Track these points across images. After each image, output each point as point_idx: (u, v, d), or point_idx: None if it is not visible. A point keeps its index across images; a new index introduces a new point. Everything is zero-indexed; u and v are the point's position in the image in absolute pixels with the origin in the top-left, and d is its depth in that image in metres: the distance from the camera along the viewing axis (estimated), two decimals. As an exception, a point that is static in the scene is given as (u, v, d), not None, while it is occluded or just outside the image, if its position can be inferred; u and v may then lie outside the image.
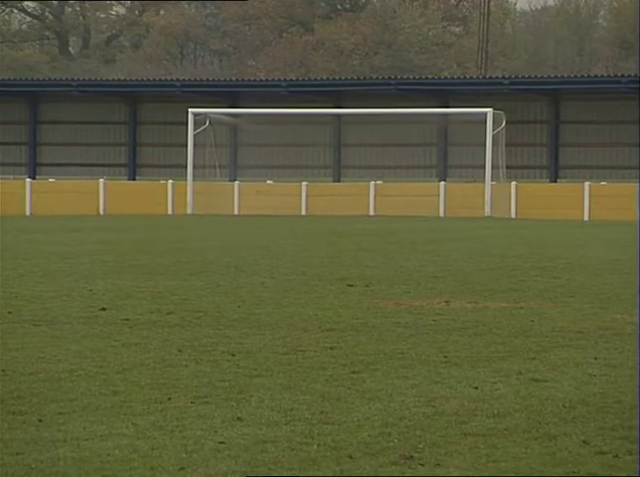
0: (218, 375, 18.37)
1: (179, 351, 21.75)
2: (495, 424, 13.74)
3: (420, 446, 11.82)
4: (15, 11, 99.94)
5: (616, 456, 11.60)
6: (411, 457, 11.32)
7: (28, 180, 77.48)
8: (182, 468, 10.61)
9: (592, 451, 12.05)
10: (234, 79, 78.73)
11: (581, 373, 19.02)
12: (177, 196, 73.68)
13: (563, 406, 15.55)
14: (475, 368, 19.41)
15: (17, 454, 11.16)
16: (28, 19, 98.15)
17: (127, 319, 27.44)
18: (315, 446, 11.95)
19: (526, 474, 10.10)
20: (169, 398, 15.28)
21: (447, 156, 74.76)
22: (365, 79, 79.44)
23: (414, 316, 27.99)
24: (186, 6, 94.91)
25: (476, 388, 17.01)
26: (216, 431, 12.61)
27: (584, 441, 12.51)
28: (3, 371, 17.24)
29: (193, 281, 38.33)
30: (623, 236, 60.05)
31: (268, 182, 73.14)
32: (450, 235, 59.56)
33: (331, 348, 21.87)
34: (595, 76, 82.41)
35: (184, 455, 11.29)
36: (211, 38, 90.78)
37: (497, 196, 69.17)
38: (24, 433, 12.31)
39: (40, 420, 13.53)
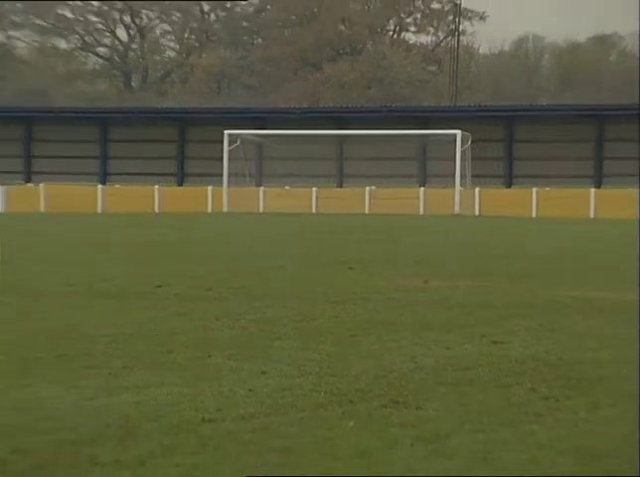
0: (246, 337, 18.78)
1: (216, 319, 21.90)
2: (463, 376, 14.44)
3: (405, 393, 12.66)
4: (90, 54, 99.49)
5: (557, 400, 12.82)
6: (398, 402, 12.41)
7: (99, 186, 77.35)
8: (219, 409, 11.71)
9: (538, 396, 13.13)
10: (259, 107, 78.56)
11: (530, 336, 19.35)
12: (215, 198, 73.85)
13: (516, 362, 16.10)
14: (448, 333, 19.56)
15: (90, 399, 12.24)
16: (100, 61, 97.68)
17: (177, 294, 27.35)
18: (322, 393, 12.79)
19: (487, 413, 11.33)
20: (209, 356, 15.88)
21: (426, 167, 74.89)
22: (361, 107, 79.28)
23: (401, 292, 27.93)
24: (222, 51, 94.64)
25: (448, 348, 17.28)
26: (245, 382, 13.40)
27: (532, 389, 13.44)
28: (81, 333, 17.10)
29: (228, 265, 37.37)
30: (563, 229, 60.36)
31: (286, 187, 73.11)
32: (428, 228, 59.96)
33: (335, 317, 22.00)
34: (541, 105, 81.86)
35: (220, 400, 12.30)
36: (242, 75, 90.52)
37: (464, 198, 69.36)
38: (96, 383, 13.16)
39: (109, 373, 14.18)
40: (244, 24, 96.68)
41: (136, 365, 14.98)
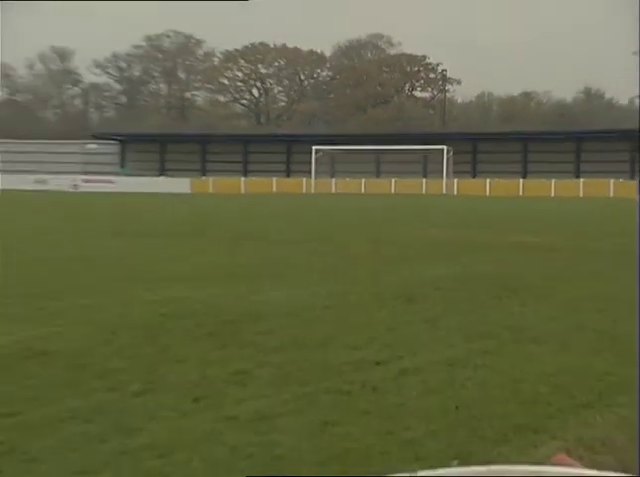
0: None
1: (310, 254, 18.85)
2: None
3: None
4: (238, 104, 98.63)
5: (502, 298, 11.97)
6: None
7: (242, 178, 77.93)
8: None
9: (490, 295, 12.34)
10: (332, 133, 78.33)
11: (492, 259, 17.52)
12: (307, 185, 75.47)
13: (478, 276, 14.74)
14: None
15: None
16: (243, 107, 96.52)
17: (291, 241, 23.27)
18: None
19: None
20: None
21: (427, 167, 74.48)
22: (389, 134, 79.07)
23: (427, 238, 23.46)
24: (312, 101, 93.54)
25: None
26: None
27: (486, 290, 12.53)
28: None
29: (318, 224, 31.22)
30: (506, 201, 54.32)
31: (347, 179, 73.18)
32: (429, 202, 53.51)
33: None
34: (491, 132, 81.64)
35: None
36: (322, 115, 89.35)
37: (448, 185, 69.37)
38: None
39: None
40: (324, 87, 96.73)
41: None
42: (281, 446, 5.57)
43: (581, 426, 6.02)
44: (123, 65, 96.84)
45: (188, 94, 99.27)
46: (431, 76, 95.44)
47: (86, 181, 72.78)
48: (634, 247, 19.95)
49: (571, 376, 7.53)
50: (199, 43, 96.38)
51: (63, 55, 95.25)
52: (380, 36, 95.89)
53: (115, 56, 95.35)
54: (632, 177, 67.61)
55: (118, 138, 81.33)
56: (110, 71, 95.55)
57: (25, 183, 70.83)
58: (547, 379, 7.40)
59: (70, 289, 12.79)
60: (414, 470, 1.85)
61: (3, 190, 63.63)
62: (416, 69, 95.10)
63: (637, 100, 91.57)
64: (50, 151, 78.90)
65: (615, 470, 1.85)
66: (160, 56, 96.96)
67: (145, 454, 5.35)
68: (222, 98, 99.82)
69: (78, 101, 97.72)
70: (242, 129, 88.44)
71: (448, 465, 2.32)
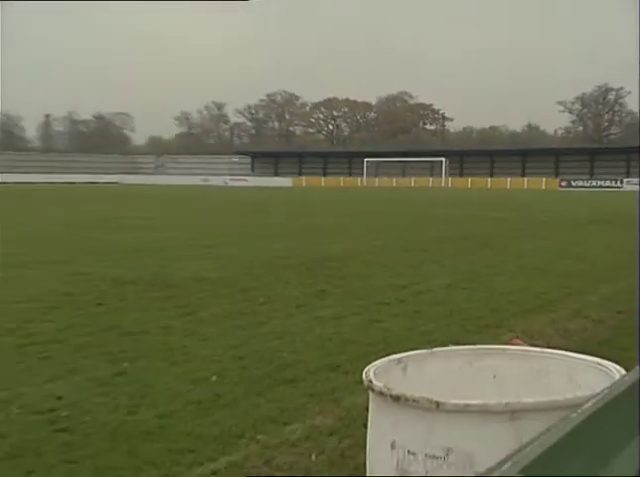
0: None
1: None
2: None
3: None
4: (318, 133, 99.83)
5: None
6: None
7: (322, 178, 77.46)
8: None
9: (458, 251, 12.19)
10: (377, 151, 77.37)
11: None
12: (363, 184, 72.58)
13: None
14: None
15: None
16: (322, 137, 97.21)
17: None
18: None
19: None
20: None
21: (433, 171, 73.02)
22: (410, 151, 78.01)
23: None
24: (364, 132, 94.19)
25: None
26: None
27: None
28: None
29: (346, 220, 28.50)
30: (477, 192, 52.50)
31: (384, 178, 72.67)
32: (434, 193, 51.39)
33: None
34: (471, 149, 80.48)
35: None
36: (371, 140, 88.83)
37: (445, 182, 68.14)
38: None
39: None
40: (372, 123, 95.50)
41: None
42: (347, 333, 5.65)
43: (526, 324, 6.08)
44: (253, 111, 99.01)
45: (291, 128, 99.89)
46: (435, 116, 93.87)
47: (232, 179, 74.43)
48: (555, 218, 20.11)
49: (520, 294, 7.52)
50: (297, 97, 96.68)
51: (219, 106, 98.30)
52: (405, 92, 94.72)
53: (249, 106, 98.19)
54: (556, 176, 65.82)
55: (250, 154, 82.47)
56: (246, 114, 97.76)
57: (194, 181, 71.28)
58: (505, 296, 7.42)
59: (222, 243, 12.68)
60: (430, 348, 1.92)
61: (187, 185, 64.68)
62: (426, 112, 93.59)
63: (560, 131, 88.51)
64: (210, 162, 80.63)
65: (543, 346, 1.82)
66: (274, 105, 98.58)
67: (268, 337, 5.49)
68: (310, 130, 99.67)
69: (227, 132, 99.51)
70: (323, 148, 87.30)
71: (446, 345, 2.33)
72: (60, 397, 3.95)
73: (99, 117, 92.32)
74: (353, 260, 10.24)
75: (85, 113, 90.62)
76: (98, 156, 76.39)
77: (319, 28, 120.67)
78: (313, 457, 3.22)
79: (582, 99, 78.51)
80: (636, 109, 72.74)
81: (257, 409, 3.83)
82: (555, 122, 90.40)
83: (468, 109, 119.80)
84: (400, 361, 1.74)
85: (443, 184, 67.68)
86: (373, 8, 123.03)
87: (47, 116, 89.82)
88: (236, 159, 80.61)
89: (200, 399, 3.97)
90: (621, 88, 74.84)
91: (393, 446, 1.45)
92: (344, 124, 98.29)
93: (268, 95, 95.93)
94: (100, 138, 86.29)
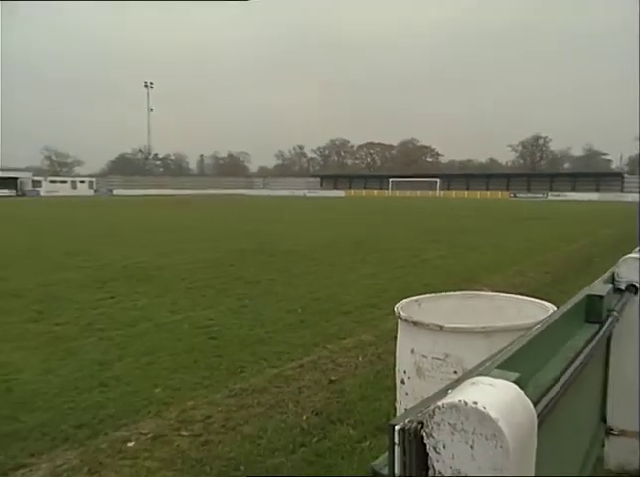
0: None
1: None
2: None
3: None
4: (350, 160, 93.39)
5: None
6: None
7: (363, 190, 73.70)
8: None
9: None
10: (396, 174, 73.59)
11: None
12: (387, 195, 67.65)
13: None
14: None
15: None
16: (362, 165, 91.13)
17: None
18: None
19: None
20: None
21: (432, 186, 69.66)
22: (417, 174, 74.00)
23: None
24: (390, 162, 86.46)
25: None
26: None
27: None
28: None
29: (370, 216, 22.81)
30: (467, 201, 47.14)
31: (402, 191, 69.98)
32: (432, 201, 43.86)
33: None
34: (455, 174, 76.07)
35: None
36: (392, 168, 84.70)
37: (439, 194, 65.09)
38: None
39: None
40: (394, 157, 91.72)
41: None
42: (380, 285, 5.52)
43: (489, 280, 5.74)
44: (322, 150, 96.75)
45: (344, 161, 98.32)
46: (432, 153, 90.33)
47: (308, 192, 73.48)
48: (508, 216, 18.66)
49: (489, 263, 7.25)
50: (348, 141, 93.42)
51: (301, 147, 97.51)
52: (414, 139, 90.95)
53: (319, 147, 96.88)
54: (507, 190, 61.19)
55: (319, 176, 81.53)
56: (317, 152, 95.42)
57: (286, 193, 68.03)
58: (477, 264, 7.03)
59: (302, 230, 11.93)
60: (435, 294, 1.81)
61: (281, 196, 56.56)
62: (427, 151, 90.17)
63: (509, 163, 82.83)
64: (295, 181, 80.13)
65: (501, 292, 1.73)
66: (334, 146, 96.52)
67: (332, 286, 5.33)
68: (356, 162, 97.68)
69: (305, 164, 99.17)
70: (363, 173, 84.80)
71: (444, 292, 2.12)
72: (211, 319, 4.04)
73: (230, 155, 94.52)
74: (382, 241, 9.83)
75: (222, 153, 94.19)
76: (230, 178, 79.53)
77: (357, 101, 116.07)
78: (360, 358, 3.20)
79: (523, 143, 79.95)
80: (555, 149, 75.93)
81: (326, 329, 3.82)
82: (506, 157, 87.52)
83: (453, 149, 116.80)
84: (417, 301, 1.73)
85: (438, 195, 64.27)
86: (388, 93, 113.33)
87: (201, 155, 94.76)
88: (311, 179, 79.81)
89: (291, 322, 3.99)
90: (546, 137, 77.27)
91: (412, 352, 1.48)
92: (377, 158, 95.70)
93: (331, 140, 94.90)
94: (231, 167, 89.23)
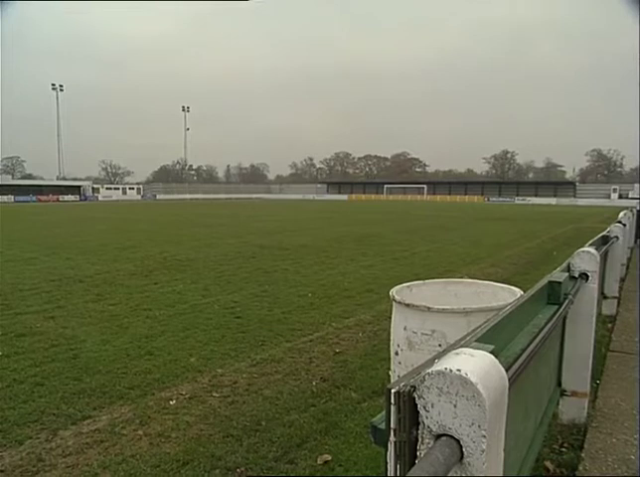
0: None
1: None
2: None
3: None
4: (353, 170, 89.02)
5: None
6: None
7: (363, 195, 68.16)
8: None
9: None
10: (390, 181, 72.35)
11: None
12: (384, 199, 65.11)
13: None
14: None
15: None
16: (362, 174, 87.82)
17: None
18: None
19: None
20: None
21: (420, 191, 68.70)
22: (407, 181, 72.75)
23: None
24: (384, 171, 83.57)
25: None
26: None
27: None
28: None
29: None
30: (466, 205, 45.47)
31: (395, 195, 68.71)
32: (420, 203, 40.08)
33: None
34: (439, 181, 74.44)
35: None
36: (387, 176, 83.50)
37: (426, 198, 63.69)
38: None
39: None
40: (388, 167, 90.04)
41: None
42: (376, 274, 5.43)
43: (467, 270, 5.60)
44: (328, 161, 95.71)
45: (347, 170, 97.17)
46: (420, 164, 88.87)
47: (317, 196, 72.81)
48: (483, 215, 18.38)
49: (467, 255, 7.14)
50: (350, 154, 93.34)
51: (311, 158, 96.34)
52: (405, 152, 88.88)
53: (325, 159, 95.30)
54: (482, 196, 59.99)
55: (326, 183, 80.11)
56: (324, 163, 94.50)
57: (297, 197, 67.11)
58: (458, 256, 6.92)
59: (312, 228, 11.65)
60: (422, 280, 1.74)
61: (295, 199, 54.31)
62: (416, 161, 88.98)
63: (484, 172, 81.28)
64: (306, 188, 79.18)
65: (478, 280, 1.76)
66: (338, 158, 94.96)
67: (336, 275, 5.26)
68: (357, 171, 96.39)
69: (314, 173, 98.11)
70: (363, 180, 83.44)
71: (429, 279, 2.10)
72: (236, 302, 4.07)
73: (252, 166, 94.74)
74: (379, 237, 9.68)
75: (246, 164, 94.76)
76: (252, 185, 79.59)
77: (357, 121, 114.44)
78: (360, 334, 3.22)
79: (495, 157, 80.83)
80: (520, 162, 76.60)
81: (331, 311, 3.83)
82: (481, 168, 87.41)
83: (437, 160, 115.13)
84: (408, 286, 1.72)
85: (425, 198, 63.03)
86: (384, 114, 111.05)
87: (228, 166, 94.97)
88: (319, 186, 79.29)
89: (303, 305, 4.00)
90: (514, 151, 78.25)
91: (404, 329, 1.48)
92: (374, 168, 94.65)
93: (336, 153, 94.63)
94: (253, 176, 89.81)
